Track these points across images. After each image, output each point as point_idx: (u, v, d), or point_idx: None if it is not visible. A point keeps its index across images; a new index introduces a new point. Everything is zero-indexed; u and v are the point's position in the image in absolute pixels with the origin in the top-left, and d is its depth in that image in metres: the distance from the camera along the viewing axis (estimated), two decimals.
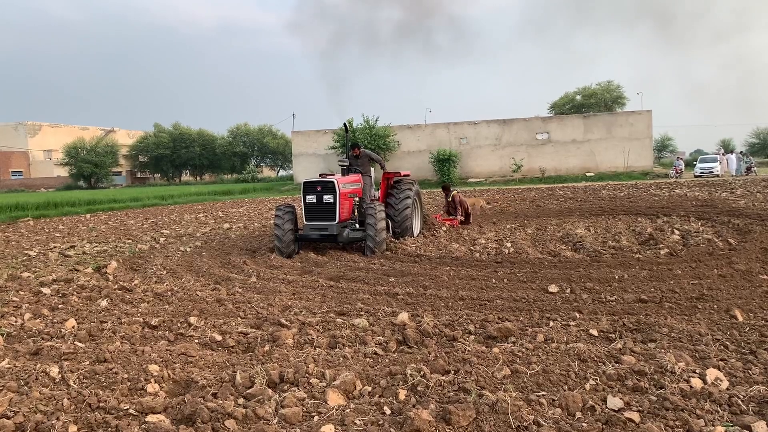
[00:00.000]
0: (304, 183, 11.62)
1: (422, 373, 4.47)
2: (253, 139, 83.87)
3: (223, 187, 49.99)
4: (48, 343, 5.76)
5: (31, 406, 4.14)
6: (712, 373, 4.27)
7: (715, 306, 6.39)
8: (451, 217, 15.42)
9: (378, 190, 13.44)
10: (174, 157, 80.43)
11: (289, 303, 7.31)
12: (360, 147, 13.20)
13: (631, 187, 29.89)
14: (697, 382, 4.14)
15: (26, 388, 4.55)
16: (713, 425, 3.61)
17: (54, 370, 4.83)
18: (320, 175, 12.25)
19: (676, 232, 11.83)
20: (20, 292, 8.57)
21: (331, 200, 11.26)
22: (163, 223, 20.27)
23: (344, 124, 13.71)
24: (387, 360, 5.10)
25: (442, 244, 11.90)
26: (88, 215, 26.59)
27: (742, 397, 3.94)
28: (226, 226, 18.06)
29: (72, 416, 4.04)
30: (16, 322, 6.80)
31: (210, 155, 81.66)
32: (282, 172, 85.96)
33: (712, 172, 39.88)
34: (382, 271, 9.40)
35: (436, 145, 47.95)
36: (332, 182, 11.30)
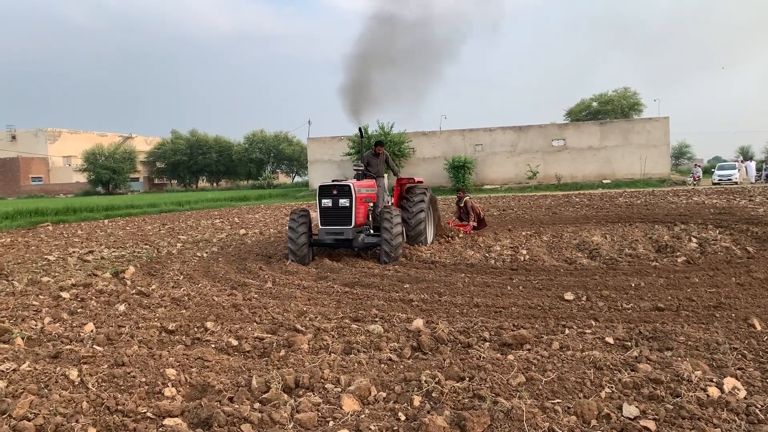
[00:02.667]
0: (320, 187, 11.51)
1: (437, 379, 4.48)
2: (269, 146, 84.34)
3: (239, 193, 50.30)
4: (67, 347, 5.84)
5: (51, 408, 4.21)
6: (729, 382, 4.23)
7: (733, 315, 6.33)
8: (463, 223, 15.39)
9: (391, 196, 13.39)
10: (191, 163, 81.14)
11: (305, 309, 7.35)
12: (384, 146, 13.16)
13: (648, 194, 29.67)
14: (714, 391, 4.11)
15: (46, 390, 4.62)
16: None
17: (73, 374, 4.89)
18: (333, 181, 12.15)
19: (694, 239, 11.73)
20: (40, 297, 8.70)
21: (347, 204, 11.15)
22: (180, 229, 20.44)
23: (359, 129, 13.66)
24: (402, 366, 5.11)
25: (457, 250, 11.90)
26: (106, 221, 26.87)
27: (759, 406, 3.90)
28: (242, 231, 18.18)
29: (91, 419, 4.10)
30: (36, 325, 6.90)
31: (226, 161, 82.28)
32: (297, 179, 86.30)
33: (730, 179, 39.52)
34: (397, 277, 9.41)
35: (452, 151, 47.91)
36: (348, 186, 11.20)
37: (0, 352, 5.73)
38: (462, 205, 15.78)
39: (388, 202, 12.89)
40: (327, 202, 11.30)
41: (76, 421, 4.05)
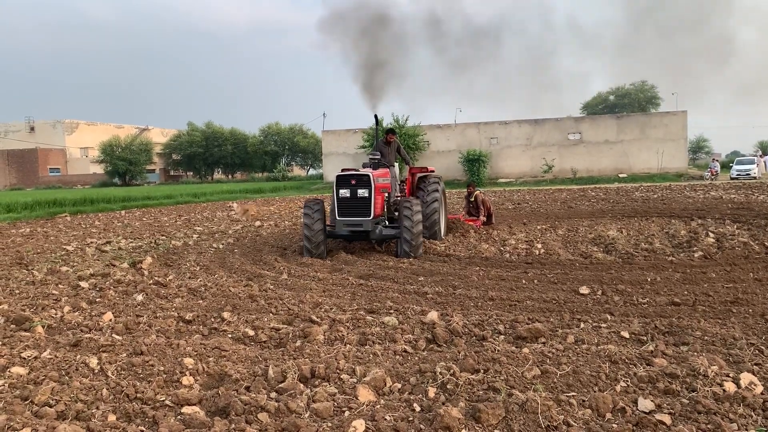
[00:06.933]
0: (338, 176, 11.04)
1: (452, 371, 4.50)
2: (284, 138, 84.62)
3: (255, 186, 50.51)
4: (87, 336, 5.93)
5: (72, 395, 4.29)
6: (746, 377, 4.21)
7: (750, 310, 6.29)
8: (473, 218, 15.26)
9: (403, 185, 13.08)
10: (206, 155, 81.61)
11: (320, 300, 7.40)
12: (395, 134, 12.80)
13: (665, 188, 29.44)
14: (730, 386, 4.09)
15: (67, 378, 4.70)
16: (746, 430, 3.58)
17: (93, 362, 4.98)
18: (342, 170, 11.73)
19: (711, 234, 11.63)
20: (59, 286, 8.82)
21: (366, 195, 10.70)
22: (196, 221, 20.60)
23: (375, 116, 13.30)
24: (416, 358, 5.14)
25: (472, 244, 11.86)
26: (122, 212, 27.13)
27: None
28: (258, 223, 18.28)
29: (111, 406, 4.18)
30: (56, 314, 7.00)
31: (242, 154, 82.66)
32: (312, 171, 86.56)
33: (749, 174, 39.05)
34: (411, 270, 9.43)
35: (466, 145, 47.77)
36: (367, 175, 10.75)
37: (21, 339, 5.84)
38: (472, 199, 15.64)
39: (399, 192, 12.66)
40: (345, 193, 10.84)
41: (97, 408, 4.13)
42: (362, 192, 10.75)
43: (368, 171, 11.07)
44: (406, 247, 10.55)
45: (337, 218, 10.95)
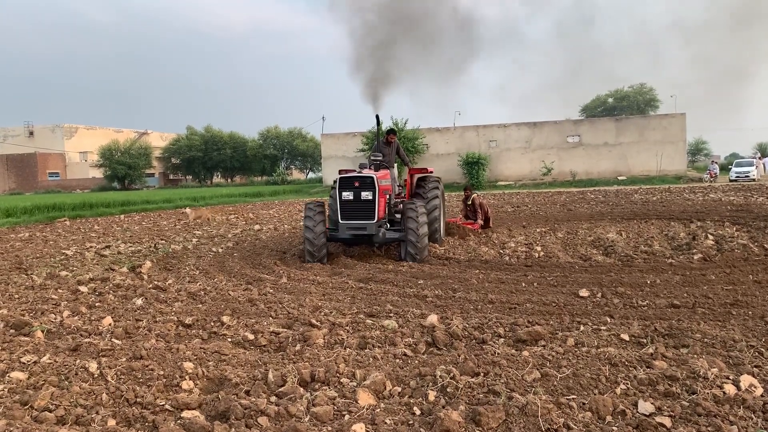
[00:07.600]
0: (341, 179, 10.73)
1: (452, 374, 4.49)
2: (283, 142, 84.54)
3: (254, 189, 50.50)
4: (86, 340, 5.92)
5: (71, 400, 4.28)
6: (746, 380, 4.22)
7: (750, 312, 6.29)
8: (470, 221, 15.21)
9: (402, 187, 12.97)
10: (206, 159, 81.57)
11: (320, 304, 7.39)
12: (396, 135, 12.59)
13: (664, 191, 29.46)
14: (730, 389, 4.09)
15: (66, 383, 4.69)
16: None
17: (93, 366, 4.96)
18: (340, 171, 11.57)
19: (711, 237, 11.63)
20: (59, 290, 8.81)
21: (370, 197, 10.43)
22: (195, 224, 20.58)
23: (376, 116, 13.15)
24: (416, 361, 5.14)
25: (471, 247, 11.85)
26: (122, 216, 27.11)
27: None
28: (257, 227, 18.27)
29: (111, 411, 4.17)
30: (55, 319, 7.00)
31: (241, 157, 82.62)
32: (311, 175, 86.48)
33: (748, 176, 39.11)
34: (411, 273, 9.42)
35: (465, 148, 47.81)
36: (371, 177, 10.47)
37: (21, 344, 5.83)
38: (469, 203, 15.59)
39: (399, 193, 12.58)
40: (348, 195, 10.56)
41: (96, 413, 4.13)
42: (366, 194, 10.50)
43: (371, 173, 10.83)
44: (411, 250, 10.41)
45: (340, 221, 10.72)
